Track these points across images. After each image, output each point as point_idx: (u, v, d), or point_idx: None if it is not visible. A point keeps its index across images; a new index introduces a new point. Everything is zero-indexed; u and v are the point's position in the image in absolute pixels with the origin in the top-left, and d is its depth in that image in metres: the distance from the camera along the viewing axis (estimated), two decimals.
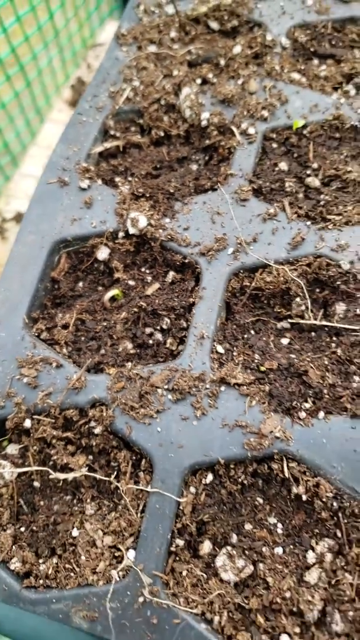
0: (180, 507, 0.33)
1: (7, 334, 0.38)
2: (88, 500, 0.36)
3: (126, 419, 0.35)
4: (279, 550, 0.33)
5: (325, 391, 0.34)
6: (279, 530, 0.34)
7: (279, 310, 0.38)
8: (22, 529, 0.36)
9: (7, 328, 0.39)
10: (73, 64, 0.80)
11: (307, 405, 0.34)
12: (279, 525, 0.34)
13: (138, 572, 0.32)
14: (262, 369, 0.36)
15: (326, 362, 0.35)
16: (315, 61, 0.50)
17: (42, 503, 0.37)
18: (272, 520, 0.34)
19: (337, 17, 0.51)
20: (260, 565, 0.33)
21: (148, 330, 0.39)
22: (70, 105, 0.67)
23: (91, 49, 0.72)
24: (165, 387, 0.35)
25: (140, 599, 0.32)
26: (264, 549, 0.33)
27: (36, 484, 0.37)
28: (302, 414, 0.34)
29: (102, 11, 0.84)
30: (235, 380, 0.35)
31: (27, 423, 0.36)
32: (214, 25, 0.51)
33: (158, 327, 0.39)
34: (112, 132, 0.46)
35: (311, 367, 0.35)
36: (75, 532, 0.35)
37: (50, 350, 0.38)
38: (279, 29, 0.50)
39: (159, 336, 0.39)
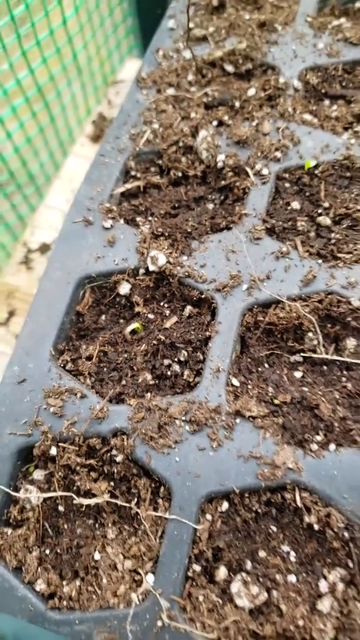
0: (197, 534, 0.35)
1: (34, 365, 0.41)
2: (109, 525, 0.38)
3: (146, 449, 0.37)
4: (292, 578, 0.34)
5: (336, 424, 0.36)
6: (292, 559, 0.35)
7: (292, 345, 0.40)
8: (47, 552, 0.38)
9: (35, 359, 0.41)
10: (94, 100, 0.84)
11: (319, 438, 0.36)
12: (292, 553, 0.35)
13: (157, 596, 0.34)
14: (276, 402, 0.38)
15: (337, 396, 0.37)
16: (327, 102, 0.52)
17: (66, 527, 0.38)
18: (286, 548, 0.35)
19: (347, 59, 0.53)
20: (274, 593, 0.34)
21: (166, 362, 0.42)
22: (92, 140, 0.70)
23: (112, 85, 0.76)
24: (183, 418, 0.37)
25: (159, 623, 0.33)
26: (277, 576, 0.35)
27: (61, 508, 0.39)
28: (314, 446, 0.35)
29: (122, 49, 0.88)
30: (250, 413, 0.36)
31: (53, 450, 0.38)
32: (229, 68, 0.54)
33: (176, 359, 0.41)
34: (133, 173, 0.49)
35: (322, 401, 0.36)
36: (97, 556, 0.37)
37: (75, 381, 0.40)
38: (291, 72, 0.52)
39: (176, 368, 0.41)
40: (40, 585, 0.36)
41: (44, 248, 0.66)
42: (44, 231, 0.66)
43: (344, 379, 0.38)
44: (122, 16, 0.84)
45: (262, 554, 0.35)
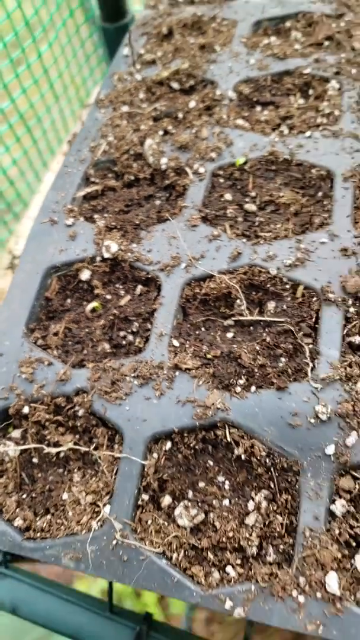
0: (145, 469, 0.42)
1: (10, 342, 0.48)
2: (75, 471, 0.45)
3: (102, 402, 0.44)
4: (226, 502, 0.41)
5: (256, 370, 0.43)
6: (227, 487, 0.42)
7: (224, 311, 0.47)
8: (24, 496, 0.45)
9: (10, 338, 0.49)
10: (72, 122, 0.93)
11: (242, 382, 0.43)
12: (227, 482, 0.42)
13: (112, 521, 0.40)
14: (208, 356, 0.45)
15: (257, 348, 0.44)
16: (258, 108, 0.60)
17: (39, 475, 0.45)
18: (221, 478, 0.42)
19: (275, 71, 0.61)
20: (211, 515, 0.41)
21: (122, 333, 0.49)
22: None
23: (86, 108, 0.85)
24: (132, 375, 0.44)
25: (114, 542, 0.40)
26: (214, 502, 0.41)
27: (35, 460, 0.46)
28: (238, 389, 0.42)
29: (96, 76, 0.97)
30: (186, 366, 0.43)
31: (26, 409, 0.45)
32: (175, 85, 0.62)
33: (129, 331, 0.49)
34: (92, 179, 0.57)
35: (245, 352, 0.43)
36: (65, 496, 0.43)
37: (43, 352, 0.48)
38: (227, 85, 0.60)
39: (130, 337, 0.48)
40: (18, 522, 0.43)
41: None
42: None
43: (264, 334, 0.45)
44: (93, 47, 0.93)
45: (201, 484, 0.42)
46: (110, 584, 0.55)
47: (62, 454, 0.45)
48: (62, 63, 0.88)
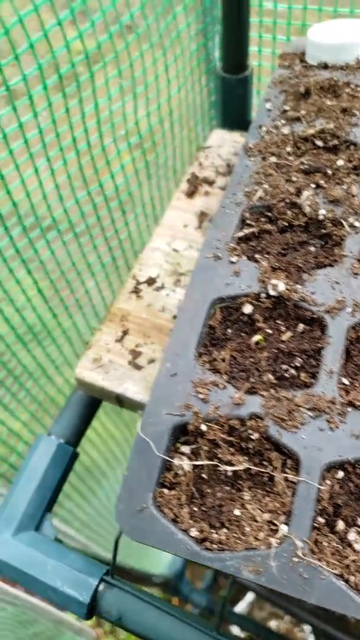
0: (321, 494, 0.45)
1: (183, 363, 0.53)
2: (245, 490, 0.48)
3: (277, 428, 0.48)
4: None
5: None
6: None
7: None
8: (195, 509, 0.48)
9: (183, 359, 0.53)
10: (182, 163, 1.00)
11: None
12: None
13: (292, 540, 0.44)
14: None
15: None
16: None
17: (208, 490, 0.49)
18: None
19: None
20: None
21: (284, 366, 0.53)
22: (187, 195, 0.85)
23: (201, 150, 0.92)
24: (306, 406, 0.49)
25: (294, 559, 0.43)
26: None
27: (204, 475, 0.49)
28: None
29: (205, 120, 1.05)
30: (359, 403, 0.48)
31: (204, 427, 0.49)
32: (319, 143, 0.68)
33: (292, 365, 0.53)
34: (248, 222, 0.63)
35: None
36: (237, 512, 0.47)
37: (215, 376, 0.52)
38: None
39: (293, 371, 0.53)
40: (194, 532, 0.46)
41: (150, 281, 0.79)
42: (150, 268, 0.79)
43: None
44: (207, 94, 1.01)
45: None
46: (223, 605, 0.58)
47: (230, 473, 0.49)
48: (184, 105, 0.95)
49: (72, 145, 0.76)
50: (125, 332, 0.74)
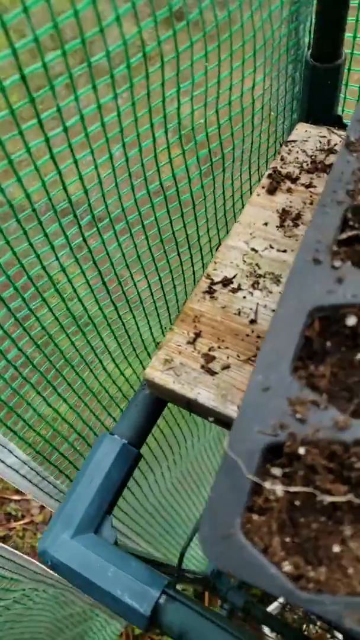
0: None
1: (277, 376, 0.48)
2: (345, 523, 0.43)
3: None
4: None
5: None
6: None
7: None
8: (287, 539, 0.44)
9: (277, 372, 0.48)
10: (262, 161, 0.95)
11: None
12: None
13: None
14: None
15: None
16: None
17: (302, 520, 0.44)
18: None
19: None
20: None
21: None
22: (268, 192, 0.79)
23: (285, 144, 0.86)
24: None
25: None
26: None
27: (297, 502, 0.45)
28: None
29: (286, 113, 0.99)
30: None
31: (301, 450, 0.44)
32: None
33: None
34: (350, 223, 0.57)
35: None
36: (336, 549, 0.42)
37: (315, 394, 0.47)
38: None
39: None
40: (287, 567, 0.42)
41: (225, 281, 0.74)
42: (226, 267, 0.75)
43: None
44: (292, 84, 0.95)
45: None
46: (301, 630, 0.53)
47: (327, 503, 0.44)
48: (267, 95, 0.89)
49: (137, 140, 0.71)
50: (197, 334, 0.70)
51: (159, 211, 0.85)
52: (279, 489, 0.44)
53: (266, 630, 1.69)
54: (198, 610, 0.60)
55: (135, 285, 0.91)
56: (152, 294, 0.98)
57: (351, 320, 0.51)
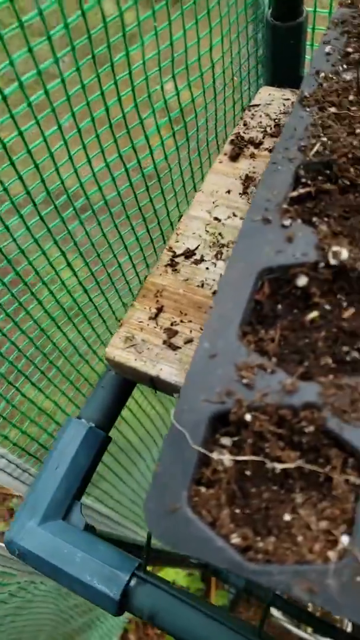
0: None
1: (224, 342, 0.46)
2: (297, 491, 0.41)
3: (337, 421, 0.40)
4: None
5: None
6: None
7: None
8: (237, 511, 0.41)
9: (224, 338, 0.46)
10: (226, 122, 0.91)
11: None
12: None
13: (355, 555, 0.37)
14: None
15: None
16: None
17: (253, 490, 0.42)
18: None
19: None
20: None
21: (345, 348, 0.45)
22: (231, 159, 0.76)
23: (247, 109, 0.82)
24: None
25: (358, 579, 0.36)
26: None
27: (247, 472, 0.43)
28: None
29: (251, 77, 0.95)
30: None
31: (248, 417, 0.42)
32: None
33: (355, 347, 0.45)
34: (303, 180, 0.54)
35: None
36: (287, 517, 0.40)
37: (263, 358, 0.44)
38: None
39: (355, 354, 0.45)
40: (235, 539, 0.40)
41: (187, 253, 0.71)
42: (188, 239, 0.72)
43: None
44: (255, 46, 0.91)
45: None
46: (267, 608, 0.51)
47: (278, 471, 0.42)
48: (228, 59, 0.86)
49: (88, 110, 0.68)
50: (160, 309, 0.67)
51: (120, 185, 0.82)
52: (227, 459, 0.42)
53: (273, 611, 1.69)
54: (169, 591, 0.58)
55: (104, 265, 0.88)
56: (123, 275, 0.95)
57: (302, 281, 0.48)
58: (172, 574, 1.97)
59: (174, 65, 0.77)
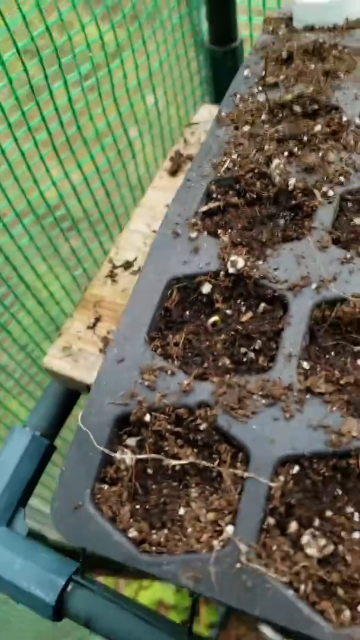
0: (271, 492, 0.40)
1: (132, 348, 0.48)
2: (192, 486, 0.44)
3: (227, 418, 0.43)
4: (356, 535, 0.39)
5: None
6: (356, 519, 0.40)
7: (355, 336, 0.46)
8: (137, 506, 0.44)
9: (132, 344, 0.49)
10: (171, 140, 0.95)
11: None
12: (356, 514, 0.40)
13: (236, 543, 0.39)
14: (341, 382, 0.43)
15: None
16: None
17: (153, 487, 0.45)
18: (350, 509, 0.40)
19: None
20: (340, 547, 0.39)
21: (243, 349, 0.48)
22: (170, 174, 0.80)
23: (187, 127, 0.86)
24: (260, 393, 0.43)
25: (238, 565, 0.38)
26: (342, 533, 0.39)
27: (149, 470, 0.45)
28: None
29: (196, 96, 0.99)
30: (319, 390, 0.42)
31: (147, 417, 0.45)
32: (297, 109, 0.62)
33: (251, 348, 0.48)
34: (214, 195, 0.57)
35: None
36: (181, 511, 0.42)
37: (165, 361, 0.47)
38: (353, 111, 0.60)
39: (252, 355, 0.48)
40: (132, 533, 0.42)
41: (127, 265, 0.75)
42: (127, 251, 0.75)
43: None
44: (197, 67, 0.96)
45: (328, 513, 0.40)
46: (194, 606, 0.53)
47: (177, 467, 0.45)
48: (169, 81, 0.90)
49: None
50: (97, 319, 0.70)
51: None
52: (128, 458, 0.45)
53: (264, 628, 1.67)
54: (105, 595, 0.59)
55: (39, 276, 0.90)
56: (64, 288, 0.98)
57: (206, 288, 0.51)
58: (160, 591, 1.96)
59: (114, 90, 0.81)
